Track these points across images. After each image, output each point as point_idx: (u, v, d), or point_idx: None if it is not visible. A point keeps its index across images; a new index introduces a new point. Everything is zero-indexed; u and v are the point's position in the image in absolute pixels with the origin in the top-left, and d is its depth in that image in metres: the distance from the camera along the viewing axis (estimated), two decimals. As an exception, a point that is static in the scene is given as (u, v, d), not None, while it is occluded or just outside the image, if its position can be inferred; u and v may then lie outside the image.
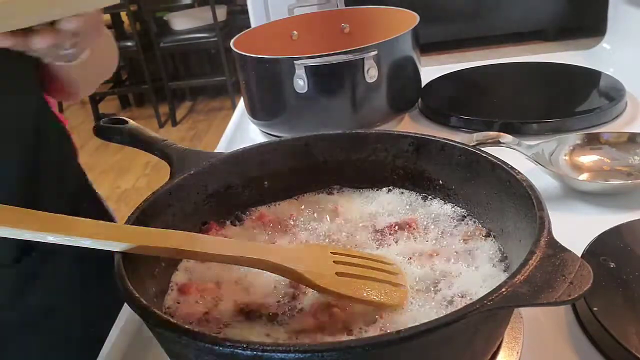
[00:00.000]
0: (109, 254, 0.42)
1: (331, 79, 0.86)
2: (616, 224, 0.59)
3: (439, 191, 0.58)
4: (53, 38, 0.52)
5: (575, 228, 0.62)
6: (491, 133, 0.73)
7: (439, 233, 0.54)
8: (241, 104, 1.08)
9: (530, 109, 0.95)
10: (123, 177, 3.39)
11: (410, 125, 0.97)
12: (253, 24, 1.11)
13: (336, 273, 0.45)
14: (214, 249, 0.44)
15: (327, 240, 0.55)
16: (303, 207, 0.61)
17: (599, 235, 0.57)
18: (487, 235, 0.52)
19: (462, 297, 0.45)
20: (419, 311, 0.44)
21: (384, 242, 0.54)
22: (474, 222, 0.54)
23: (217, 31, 3.78)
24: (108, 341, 0.57)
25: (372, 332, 0.43)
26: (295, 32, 1.08)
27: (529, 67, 1.13)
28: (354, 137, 0.62)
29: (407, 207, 0.59)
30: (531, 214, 0.42)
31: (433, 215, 0.57)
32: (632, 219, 0.60)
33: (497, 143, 0.71)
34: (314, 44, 1.02)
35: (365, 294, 0.44)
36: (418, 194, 0.60)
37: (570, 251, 0.38)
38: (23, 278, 0.67)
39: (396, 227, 0.55)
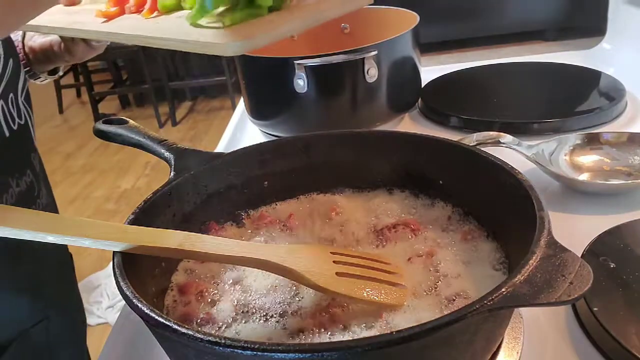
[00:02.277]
0: None
1: (331, 79, 0.86)
2: (616, 224, 0.59)
3: (439, 191, 0.58)
4: None
5: (575, 228, 0.62)
6: (491, 133, 0.73)
7: (439, 233, 0.54)
8: (241, 104, 1.08)
9: (530, 109, 0.95)
10: (123, 177, 3.39)
11: (410, 125, 0.97)
12: (253, 24, 1.11)
13: (336, 273, 0.45)
14: (214, 249, 0.44)
15: (327, 240, 0.55)
16: (303, 207, 0.61)
17: (599, 235, 0.57)
18: (487, 235, 0.52)
19: (462, 297, 0.45)
20: (419, 311, 0.44)
21: (383, 242, 0.54)
22: (474, 222, 0.54)
23: (217, 31, 3.77)
24: (108, 341, 0.57)
25: (372, 332, 0.43)
26: (295, 32, 1.07)
27: (529, 67, 1.13)
28: (354, 137, 0.62)
29: (407, 207, 0.59)
30: (531, 214, 0.42)
31: (433, 215, 0.57)
32: (632, 219, 0.60)
33: (497, 143, 0.72)
34: (314, 44, 1.01)
35: (365, 294, 0.44)
36: (418, 194, 0.60)
37: (570, 251, 0.38)
38: None
39: (396, 227, 0.55)
